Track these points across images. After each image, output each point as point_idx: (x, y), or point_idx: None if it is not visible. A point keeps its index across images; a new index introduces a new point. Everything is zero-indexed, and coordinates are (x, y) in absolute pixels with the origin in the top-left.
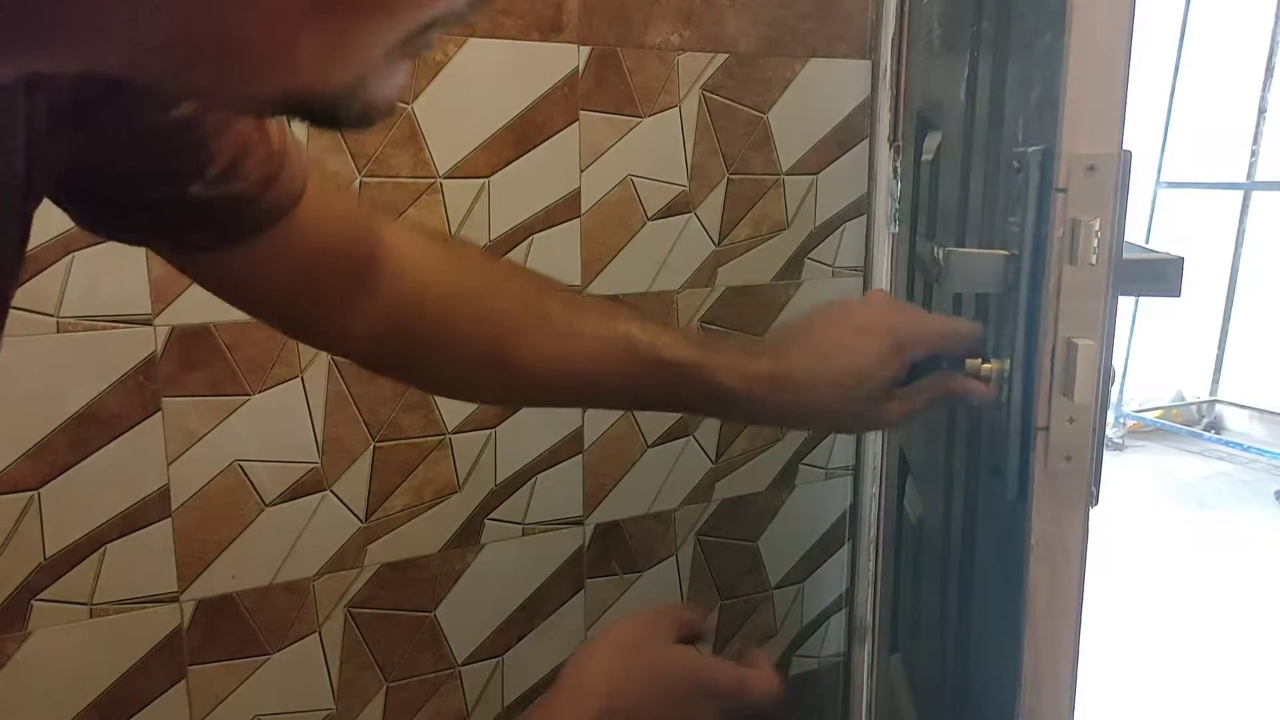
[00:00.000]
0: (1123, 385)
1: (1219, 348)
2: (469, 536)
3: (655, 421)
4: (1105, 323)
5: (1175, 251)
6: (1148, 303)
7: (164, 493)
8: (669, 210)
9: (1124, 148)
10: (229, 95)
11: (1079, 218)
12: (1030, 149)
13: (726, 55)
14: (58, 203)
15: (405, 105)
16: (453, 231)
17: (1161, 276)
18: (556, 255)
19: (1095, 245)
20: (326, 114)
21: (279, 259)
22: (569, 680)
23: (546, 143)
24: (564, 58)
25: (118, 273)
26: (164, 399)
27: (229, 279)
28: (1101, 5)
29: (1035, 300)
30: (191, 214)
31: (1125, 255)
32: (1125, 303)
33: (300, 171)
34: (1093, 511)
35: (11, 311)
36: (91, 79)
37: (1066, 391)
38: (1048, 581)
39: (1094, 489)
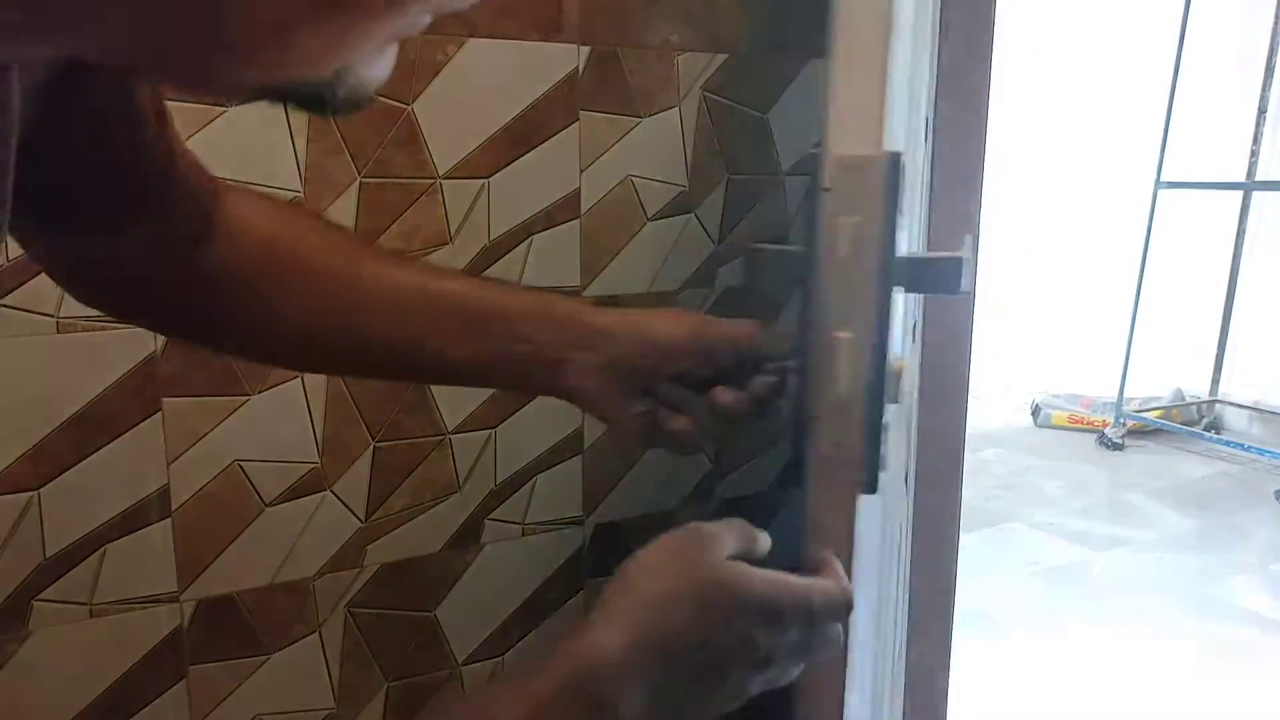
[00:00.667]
0: (1123, 385)
1: (1219, 348)
2: (469, 537)
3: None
4: (872, 317)
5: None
6: (1147, 302)
7: (164, 493)
8: (669, 210)
9: (892, 149)
10: (215, 84)
11: (841, 216)
12: (813, 150)
13: (726, 55)
14: None
15: (405, 105)
16: (453, 233)
17: (942, 275)
18: (556, 255)
19: (857, 242)
20: (311, 100)
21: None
22: (615, 593)
23: (546, 143)
24: (564, 58)
25: None
26: (164, 399)
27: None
28: (860, 11)
29: (808, 295)
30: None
31: (910, 254)
32: (1124, 303)
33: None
34: (1090, 511)
35: (11, 311)
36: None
37: (831, 382)
38: None
39: (865, 476)
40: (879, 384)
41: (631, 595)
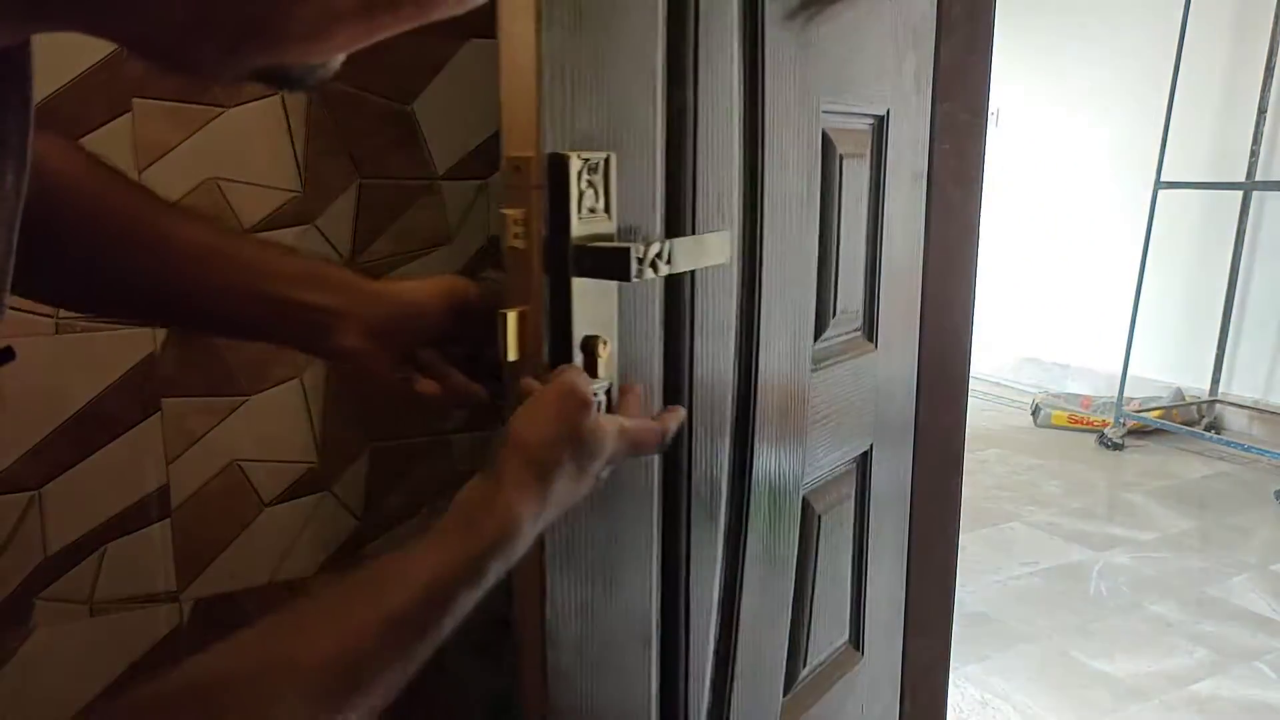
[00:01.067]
0: (1123, 385)
1: (1219, 347)
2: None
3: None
4: (540, 296)
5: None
6: (1147, 303)
7: (164, 492)
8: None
9: (557, 150)
10: (224, 72)
11: (505, 209)
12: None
13: None
14: None
15: (406, 106)
16: (453, 233)
17: (609, 263)
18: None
19: (521, 232)
20: (290, 81)
21: None
22: (509, 441)
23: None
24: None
25: None
26: (163, 399)
27: None
28: (518, 26)
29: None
30: None
31: (584, 243)
32: (1124, 303)
33: None
34: (1090, 511)
35: (11, 312)
36: None
37: (505, 353)
38: None
39: None
40: (554, 353)
41: (527, 446)
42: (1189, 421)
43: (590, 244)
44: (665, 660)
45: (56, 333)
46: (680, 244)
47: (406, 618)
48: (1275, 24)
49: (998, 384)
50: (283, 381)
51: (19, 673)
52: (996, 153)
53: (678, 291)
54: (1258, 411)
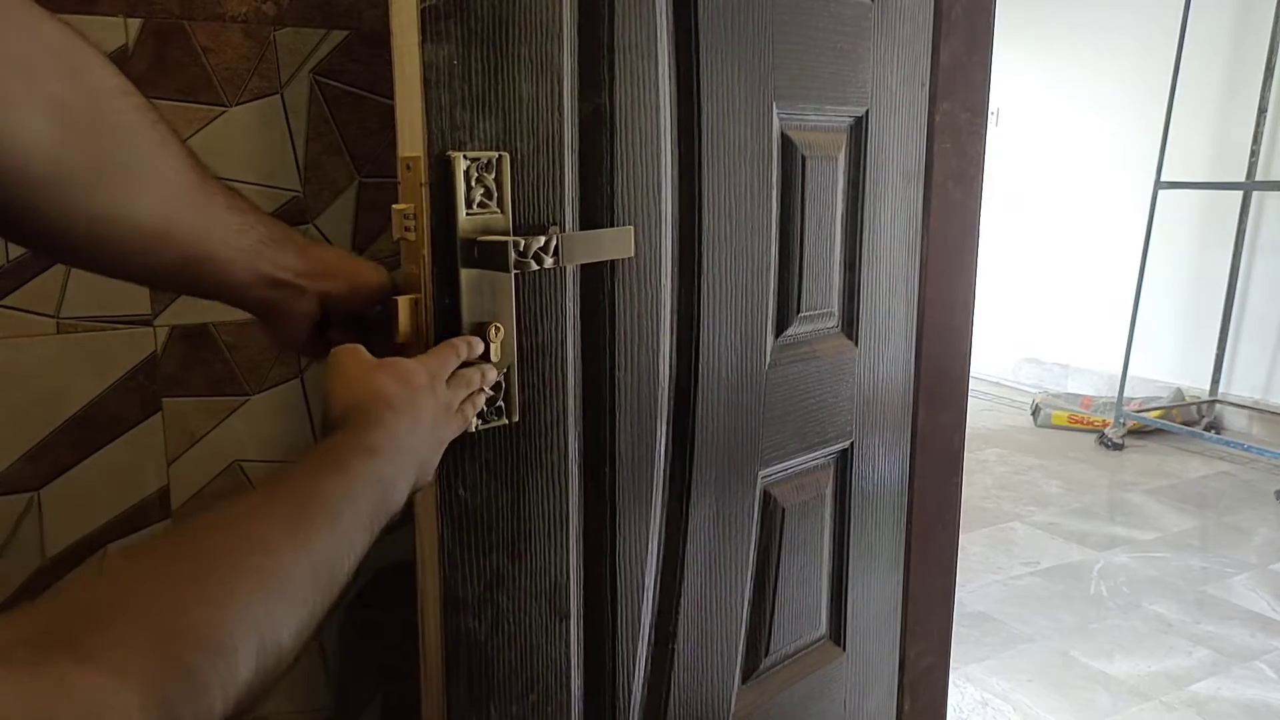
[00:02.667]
0: (1123, 385)
1: (1219, 347)
2: None
3: None
4: (429, 284)
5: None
6: (1147, 303)
7: (164, 493)
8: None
9: (444, 151)
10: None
11: (396, 204)
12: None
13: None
14: None
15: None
16: None
17: (491, 255)
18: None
19: (411, 225)
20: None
21: None
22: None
23: None
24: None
25: None
26: (164, 399)
27: None
28: (405, 39)
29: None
30: None
31: (472, 236)
32: (1124, 303)
33: None
34: (1090, 511)
35: (11, 312)
36: None
37: (398, 335)
38: None
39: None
40: (443, 336)
41: (349, 396)
42: (1189, 421)
43: (478, 237)
44: (590, 635)
45: (57, 332)
46: (571, 238)
47: (311, 535)
48: (1275, 24)
49: (998, 384)
50: (284, 381)
51: None
52: (996, 152)
53: (596, 282)
54: (1258, 411)
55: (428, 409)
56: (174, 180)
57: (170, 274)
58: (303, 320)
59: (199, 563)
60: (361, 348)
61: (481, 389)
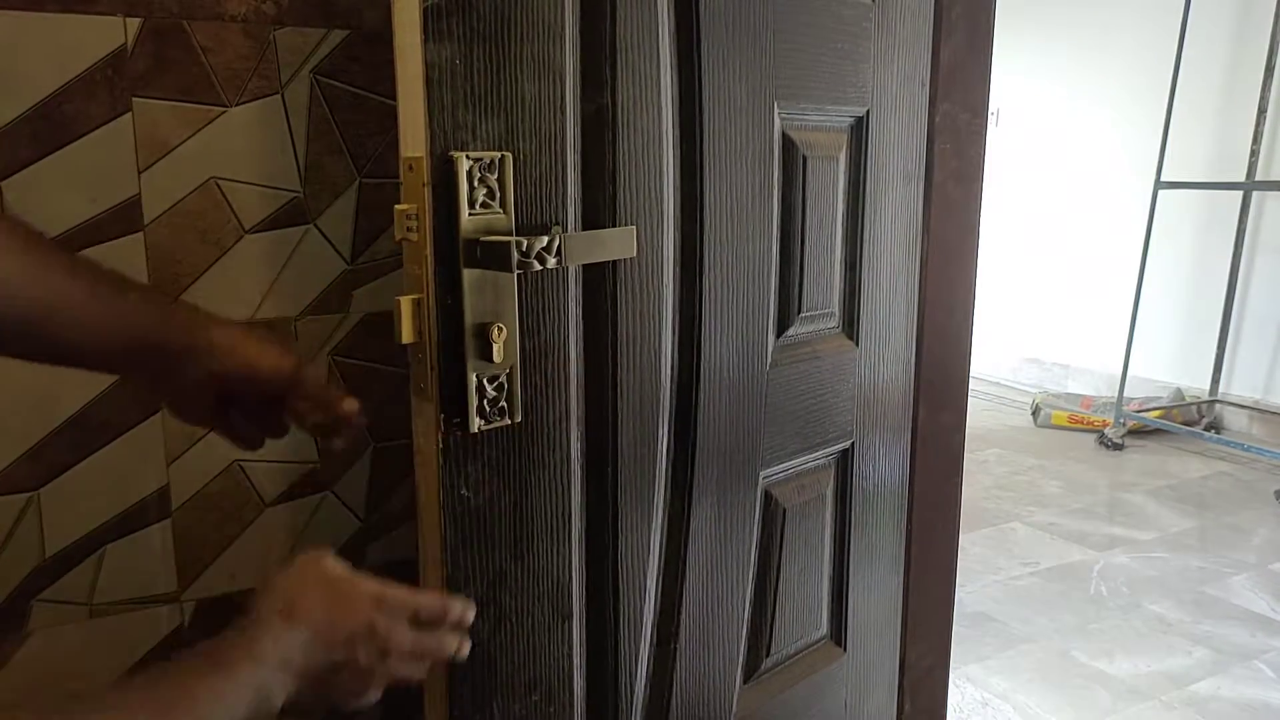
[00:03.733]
0: (1123, 385)
1: (1219, 347)
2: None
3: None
4: (432, 285)
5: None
6: (1147, 303)
7: (164, 493)
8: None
9: (447, 151)
10: None
11: (399, 204)
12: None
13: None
14: None
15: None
16: None
17: (494, 255)
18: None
19: (414, 226)
20: None
21: None
22: (264, 600)
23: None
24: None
25: None
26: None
27: None
28: (407, 39)
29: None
30: None
31: (474, 236)
32: (1124, 303)
33: None
34: (1090, 511)
35: None
36: None
37: (398, 336)
38: None
39: (442, 413)
40: (446, 337)
41: (281, 598)
42: (1189, 421)
43: (481, 237)
44: (592, 635)
45: None
46: (574, 238)
47: None
48: (1275, 24)
49: (998, 384)
50: None
51: (17, 676)
52: (996, 152)
53: (598, 283)
54: (1258, 411)
55: (343, 637)
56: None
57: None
58: (189, 392)
59: None
60: (327, 558)
61: (406, 658)
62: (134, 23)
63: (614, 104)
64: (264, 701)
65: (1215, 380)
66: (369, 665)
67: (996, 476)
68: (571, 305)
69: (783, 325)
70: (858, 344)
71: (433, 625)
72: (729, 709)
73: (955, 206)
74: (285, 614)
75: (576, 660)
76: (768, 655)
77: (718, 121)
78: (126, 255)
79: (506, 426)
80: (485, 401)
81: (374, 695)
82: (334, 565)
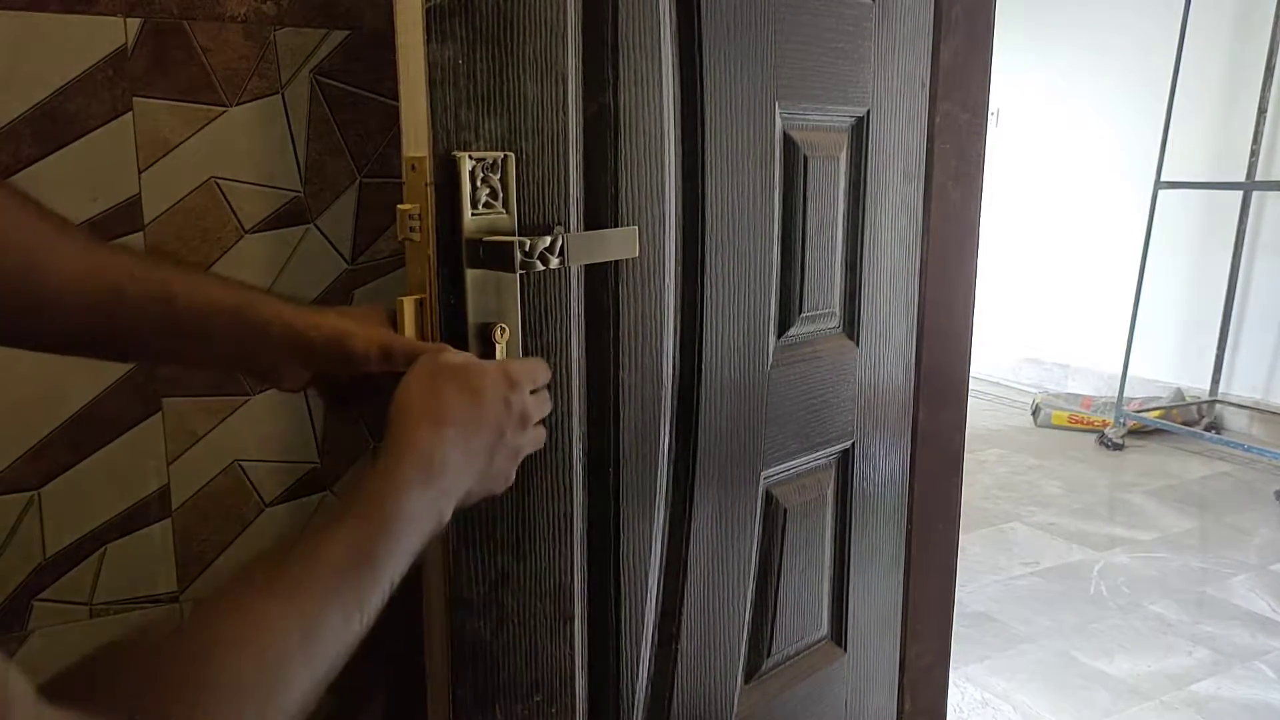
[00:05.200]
0: (1123, 385)
1: (1219, 347)
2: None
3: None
4: (434, 285)
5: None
6: (1147, 303)
7: (164, 493)
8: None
9: (450, 151)
10: None
11: (401, 204)
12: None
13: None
14: None
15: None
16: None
17: (498, 255)
18: None
19: (416, 226)
20: None
21: None
22: (400, 412)
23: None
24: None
25: None
26: (164, 399)
27: None
28: (410, 38)
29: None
30: None
31: (478, 236)
32: (1124, 303)
33: None
34: (1090, 511)
35: None
36: None
37: (400, 334)
38: None
39: None
40: (449, 337)
41: (415, 406)
42: (1189, 421)
43: (484, 237)
44: (594, 635)
45: None
46: (576, 238)
47: (318, 621)
48: (1275, 24)
49: (998, 384)
50: None
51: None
52: (996, 153)
53: (600, 283)
54: (1258, 411)
55: (490, 419)
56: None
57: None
58: (283, 367)
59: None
60: (447, 349)
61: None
62: (134, 23)
63: (616, 104)
64: (439, 520)
65: (1215, 380)
66: (515, 441)
67: (996, 476)
68: (574, 305)
69: (784, 325)
70: (858, 344)
71: (543, 388)
72: (730, 709)
73: (955, 206)
74: (432, 420)
75: (579, 661)
76: (768, 655)
77: (719, 121)
78: None
79: None
80: None
81: (512, 475)
82: (453, 354)
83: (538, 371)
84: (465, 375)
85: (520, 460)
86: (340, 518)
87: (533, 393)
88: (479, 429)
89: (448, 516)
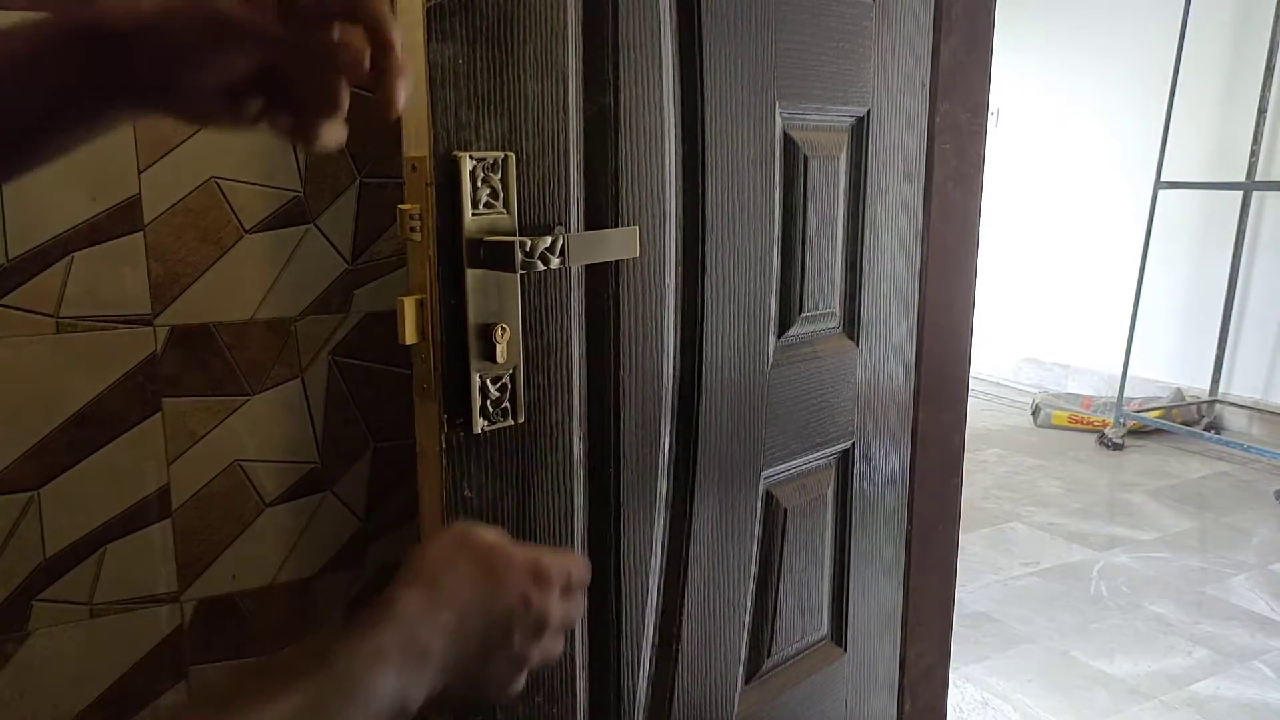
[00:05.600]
0: (1123, 385)
1: (1219, 347)
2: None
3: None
4: (435, 285)
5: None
6: (1147, 303)
7: (164, 493)
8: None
9: (450, 151)
10: None
11: (401, 204)
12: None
13: None
14: None
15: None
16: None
17: (498, 255)
18: (112, 276)
19: (416, 225)
20: None
21: None
22: (409, 575)
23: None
24: None
25: (118, 273)
26: (164, 399)
27: None
28: (410, 38)
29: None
30: None
31: (478, 236)
32: (1124, 303)
33: None
34: (1090, 511)
35: (11, 311)
36: None
37: (401, 337)
38: None
39: (445, 414)
40: (449, 337)
41: (423, 574)
42: (1189, 421)
43: (484, 237)
44: (594, 636)
45: (57, 332)
46: (577, 238)
47: None
48: (1275, 24)
49: (998, 384)
50: (284, 381)
51: (18, 675)
52: (996, 153)
53: (600, 283)
54: (1258, 411)
55: (500, 616)
56: None
57: None
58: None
59: None
60: (481, 527)
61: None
62: None
63: (616, 104)
64: (403, 708)
65: (1215, 380)
66: (522, 649)
67: (996, 476)
68: (574, 305)
69: (784, 325)
70: (858, 344)
71: (577, 590)
72: (730, 709)
73: (955, 207)
74: (432, 597)
75: (579, 661)
76: (769, 655)
77: (720, 121)
78: (126, 255)
79: (509, 427)
80: (488, 402)
81: (520, 683)
82: (487, 532)
83: (575, 569)
84: (489, 557)
85: (524, 672)
86: (302, 669)
87: (564, 593)
88: (482, 624)
89: (414, 708)
